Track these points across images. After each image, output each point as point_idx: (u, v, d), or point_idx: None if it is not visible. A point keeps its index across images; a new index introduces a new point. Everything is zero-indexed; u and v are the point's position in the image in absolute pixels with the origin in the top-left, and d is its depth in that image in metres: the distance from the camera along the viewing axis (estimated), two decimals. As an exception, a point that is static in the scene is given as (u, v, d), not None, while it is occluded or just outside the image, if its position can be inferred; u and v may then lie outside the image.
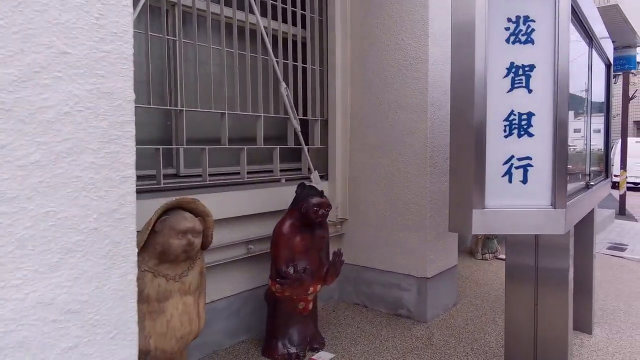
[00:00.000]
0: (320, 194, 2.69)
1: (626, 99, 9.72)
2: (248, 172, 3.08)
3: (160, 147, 2.50)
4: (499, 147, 1.87)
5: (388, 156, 3.30)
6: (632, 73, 10.77)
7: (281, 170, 3.30)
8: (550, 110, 1.86)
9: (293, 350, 2.69)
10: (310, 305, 2.76)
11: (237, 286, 2.88)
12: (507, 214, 1.86)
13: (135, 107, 1.34)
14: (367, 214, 3.43)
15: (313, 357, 2.70)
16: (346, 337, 2.98)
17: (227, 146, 2.83)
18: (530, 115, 1.86)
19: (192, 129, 2.89)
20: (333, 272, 2.72)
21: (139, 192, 2.40)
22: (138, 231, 1.80)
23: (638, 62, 9.14)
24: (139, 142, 1.38)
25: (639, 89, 14.54)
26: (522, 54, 1.85)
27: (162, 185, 2.50)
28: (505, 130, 1.88)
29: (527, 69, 1.86)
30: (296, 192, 2.75)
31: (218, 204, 2.68)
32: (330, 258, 2.76)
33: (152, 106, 2.54)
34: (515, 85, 1.87)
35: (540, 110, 1.86)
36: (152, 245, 1.88)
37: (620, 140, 9.92)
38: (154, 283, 1.88)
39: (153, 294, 1.87)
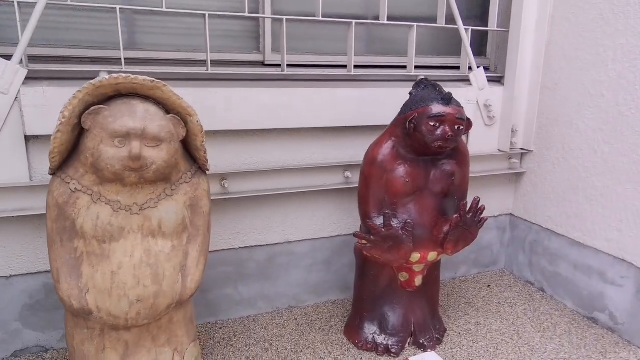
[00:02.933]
0: (447, 98, 1.52)
1: None
2: (361, 66, 2.06)
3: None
4: None
5: (617, 44, 1.80)
6: None
7: (421, 67, 2.15)
8: None
9: (382, 339, 1.76)
10: (419, 280, 1.73)
11: (326, 227, 2.03)
12: None
13: None
14: (566, 146, 2.04)
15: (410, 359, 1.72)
16: (487, 337, 1.87)
17: (320, 18, 1.85)
18: None
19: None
20: (456, 236, 1.60)
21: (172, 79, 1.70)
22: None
23: None
24: None
25: None
26: None
27: (208, 71, 1.73)
28: None
29: None
30: (410, 93, 1.64)
31: (301, 105, 1.80)
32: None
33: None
34: None
35: None
36: (83, 152, 1.16)
37: None
38: (91, 211, 1.18)
39: (89, 229, 1.18)
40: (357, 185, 1.92)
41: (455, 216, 1.56)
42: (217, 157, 1.76)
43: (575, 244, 2.04)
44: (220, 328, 1.89)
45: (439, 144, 1.51)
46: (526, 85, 2.16)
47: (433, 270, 1.79)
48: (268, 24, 1.94)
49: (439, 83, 1.63)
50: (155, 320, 1.32)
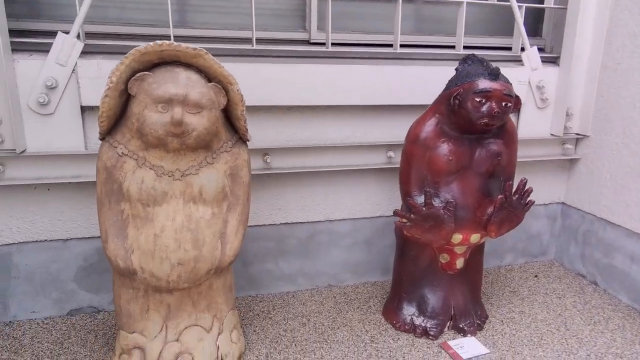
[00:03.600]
0: (495, 73, 1.47)
1: None
2: (408, 45, 2.02)
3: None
4: None
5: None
6: None
7: (471, 47, 2.08)
8: None
9: (421, 321, 1.73)
10: (460, 263, 1.69)
11: (367, 207, 2.01)
12: None
13: None
14: (627, 130, 1.92)
15: (448, 343, 1.68)
16: (531, 327, 1.80)
17: (366, -5, 1.83)
18: None
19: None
20: (501, 218, 1.54)
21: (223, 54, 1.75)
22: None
23: None
24: None
25: None
26: None
27: (254, 48, 1.75)
28: None
29: None
30: (456, 69, 1.59)
31: (345, 83, 1.79)
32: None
33: None
34: None
35: None
36: (129, 118, 1.21)
37: None
38: (136, 175, 1.24)
39: (134, 192, 1.24)
40: (398, 166, 1.90)
41: (500, 197, 1.51)
42: (260, 133, 1.78)
43: (634, 235, 1.91)
44: (260, 301, 1.93)
45: (484, 121, 1.46)
46: (584, 66, 2.04)
47: (476, 254, 1.74)
48: (314, 2, 1.94)
49: (472, 55, 1.56)
50: (195, 284, 1.36)
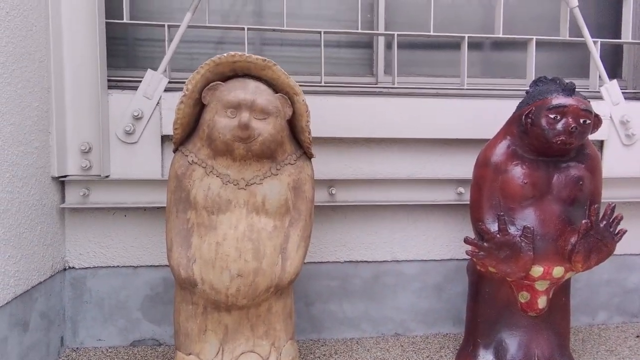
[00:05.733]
0: (570, 88, 1.40)
1: None
2: (475, 84, 2.01)
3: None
4: None
5: None
6: None
7: (545, 83, 2.02)
8: None
9: (499, 370, 1.54)
10: (543, 302, 1.51)
11: (436, 248, 1.91)
12: None
13: None
14: None
15: (533, 395, 1.46)
16: (631, 386, 1.54)
17: (431, 33, 1.87)
18: None
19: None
20: (587, 247, 1.39)
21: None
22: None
23: None
24: None
25: None
26: None
27: (322, 85, 1.83)
28: None
29: None
30: (526, 92, 1.54)
31: (412, 116, 1.80)
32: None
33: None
34: None
35: None
36: (201, 126, 1.27)
37: None
38: (204, 183, 1.27)
39: (201, 199, 1.27)
40: (469, 203, 1.81)
41: (584, 221, 1.37)
42: (326, 164, 1.80)
43: None
44: (322, 345, 1.83)
45: (561, 138, 1.38)
46: (673, 100, 1.90)
47: (560, 295, 1.56)
48: (381, 49, 2.02)
49: (544, 76, 1.50)
50: (254, 302, 1.33)
